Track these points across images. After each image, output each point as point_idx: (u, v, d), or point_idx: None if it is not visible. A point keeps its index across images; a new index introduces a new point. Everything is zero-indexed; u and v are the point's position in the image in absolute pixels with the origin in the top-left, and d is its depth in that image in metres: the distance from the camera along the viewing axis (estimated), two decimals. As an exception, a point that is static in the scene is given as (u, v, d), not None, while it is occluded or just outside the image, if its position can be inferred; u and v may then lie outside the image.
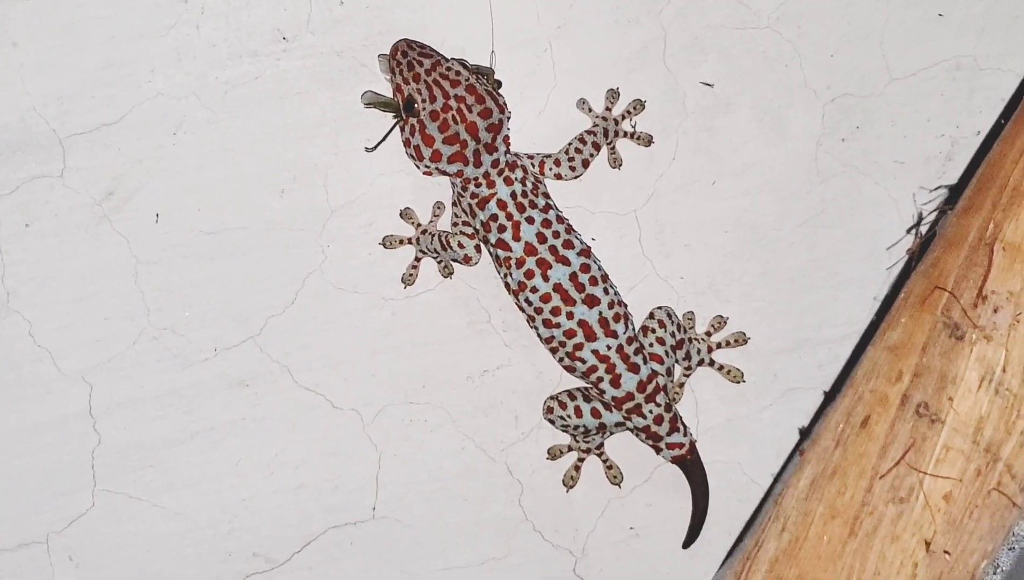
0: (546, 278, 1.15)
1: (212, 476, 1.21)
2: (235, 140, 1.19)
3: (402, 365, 1.22)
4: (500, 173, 1.15)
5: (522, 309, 1.18)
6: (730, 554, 1.19)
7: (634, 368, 1.17)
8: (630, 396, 1.18)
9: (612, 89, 1.21)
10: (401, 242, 1.21)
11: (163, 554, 1.22)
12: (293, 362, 1.21)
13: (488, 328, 1.22)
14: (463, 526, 1.23)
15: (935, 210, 1.19)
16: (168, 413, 1.21)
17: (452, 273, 1.21)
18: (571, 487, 1.24)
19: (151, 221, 1.18)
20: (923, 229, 1.21)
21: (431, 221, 1.20)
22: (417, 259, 1.21)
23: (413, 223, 1.20)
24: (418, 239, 1.20)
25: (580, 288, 1.15)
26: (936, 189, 1.20)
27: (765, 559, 1.01)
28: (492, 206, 1.15)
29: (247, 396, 1.21)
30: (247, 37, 1.18)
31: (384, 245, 1.21)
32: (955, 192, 1.20)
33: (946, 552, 0.92)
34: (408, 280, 1.21)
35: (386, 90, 1.16)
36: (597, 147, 1.19)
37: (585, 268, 1.16)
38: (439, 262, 1.21)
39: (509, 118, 1.15)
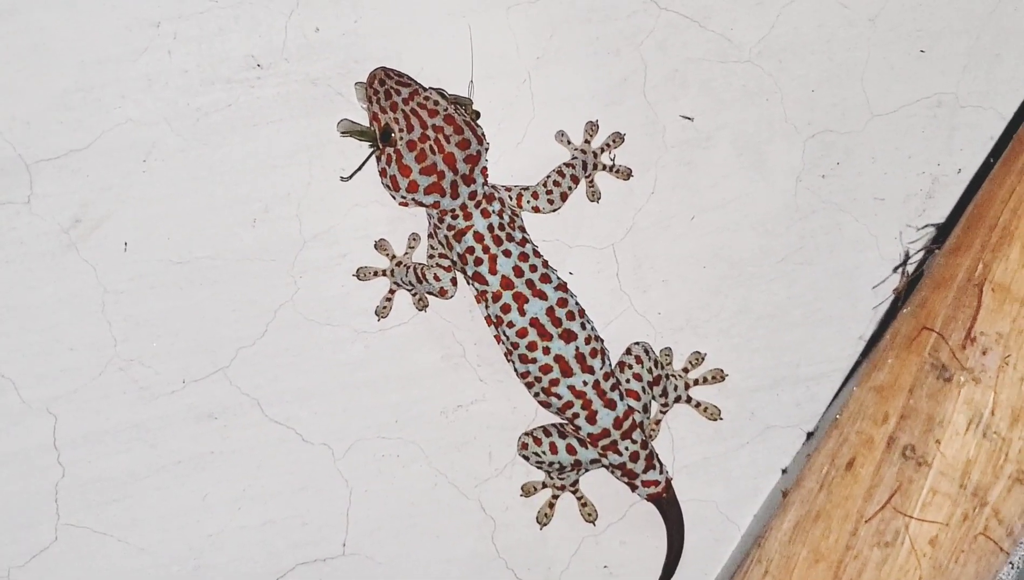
0: (522, 312, 1.15)
1: (178, 511, 1.19)
2: (207, 168, 1.17)
3: (375, 399, 1.21)
4: (477, 205, 1.14)
5: (501, 342, 1.17)
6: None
7: (610, 404, 1.16)
8: (606, 433, 1.17)
9: (591, 121, 1.20)
10: (375, 274, 1.20)
11: None
12: (263, 395, 1.19)
13: (463, 362, 1.20)
14: (435, 563, 1.22)
15: (922, 249, 1.19)
16: (134, 446, 1.19)
17: (427, 306, 1.20)
18: (545, 524, 1.23)
19: (119, 250, 1.17)
20: (910, 268, 1.20)
21: (406, 253, 1.19)
22: (391, 291, 1.20)
23: (388, 255, 1.19)
24: (392, 271, 1.19)
25: (557, 323, 1.15)
26: (923, 228, 1.20)
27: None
28: (469, 238, 1.14)
29: (215, 429, 1.19)
30: (220, 63, 1.17)
31: (358, 277, 1.19)
32: (943, 231, 1.19)
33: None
34: (382, 313, 1.20)
35: (363, 119, 1.14)
36: (576, 180, 1.19)
37: (562, 302, 1.15)
38: (414, 295, 1.20)
39: (487, 149, 1.14)
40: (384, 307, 1.20)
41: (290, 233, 1.19)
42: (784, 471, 1.25)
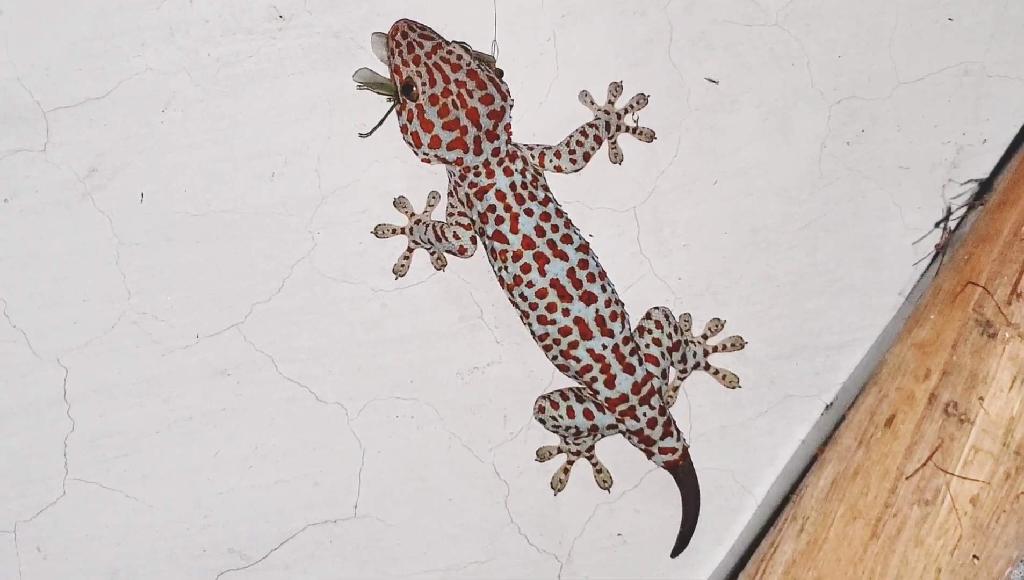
0: (543, 273, 1.13)
1: (189, 468, 1.18)
2: (226, 120, 1.16)
3: (390, 359, 1.20)
4: (500, 163, 1.13)
5: (516, 305, 1.16)
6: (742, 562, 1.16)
7: (629, 369, 1.16)
8: (624, 398, 1.16)
9: (615, 82, 1.20)
10: (394, 232, 1.19)
11: (134, 547, 1.19)
12: (277, 352, 1.18)
13: (480, 323, 1.20)
14: (446, 527, 1.21)
15: (965, 205, 1.18)
16: (145, 401, 1.18)
17: (445, 265, 1.19)
18: (559, 490, 1.22)
19: (135, 201, 1.16)
20: (952, 224, 1.20)
21: (425, 211, 1.18)
22: (409, 250, 1.19)
23: (407, 212, 1.18)
24: (411, 229, 1.18)
25: (577, 284, 1.14)
26: (966, 183, 1.19)
27: (781, 561, 0.99)
28: (490, 196, 1.13)
29: (228, 386, 1.18)
30: (242, 14, 1.16)
31: (376, 234, 1.19)
32: (985, 186, 1.19)
33: (975, 556, 0.90)
34: (399, 271, 1.19)
35: (383, 71, 1.13)
36: (599, 140, 1.18)
37: (583, 264, 1.14)
38: (432, 253, 1.19)
39: (512, 106, 1.13)
40: (402, 265, 1.19)
41: (308, 188, 1.18)
42: (803, 441, 1.24)
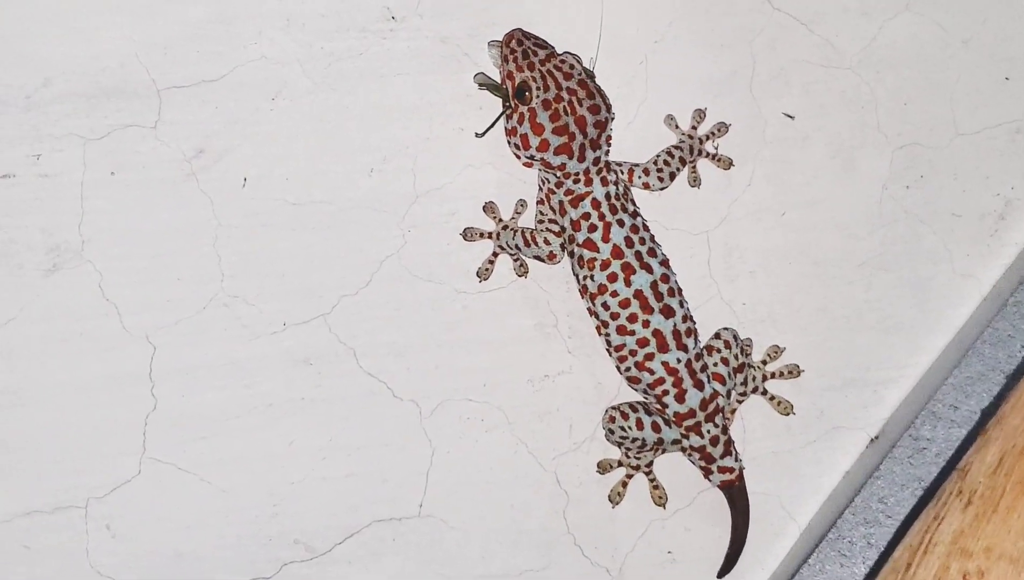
0: (628, 283, 1.75)
1: (264, 455, 1.76)
2: (332, 113, 1.76)
3: (466, 360, 1.80)
4: (599, 172, 1.75)
5: (596, 314, 1.77)
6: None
7: (699, 385, 1.78)
8: (692, 413, 1.79)
9: (699, 109, 1.83)
10: (481, 235, 1.79)
11: (203, 532, 1.76)
12: (359, 345, 1.77)
13: (554, 332, 1.81)
14: (506, 533, 1.81)
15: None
16: (228, 384, 1.75)
17: (527, 273, 1.80)
18: (616, 503, 1.84)
19: (238, 185, 1.74)
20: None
21: (512, 217, 1.79)
22: (494, 254, 1.80)
23: (495, 218, 1.79)
24: (498, 234, 1.79)
25: (659, 297, 1.76)
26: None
27: (948, 531, 1.62)
28: (586, 204, 1.74)
29: (310, 375, 1.76)
30: (357, 11, 1.76)
31: (464, 237, 1.79)
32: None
33: None
34: (483, 274, 1.79)
35: (496, 78, 1.74)
36: (683, 162, 1.81)
37: (665, 278, 1.77)
38: (515, 260, 1.80)
39: (613, 119, 1.74)
40: (486, 269, 1.80)
41: (404, 186, 1.78)
42: (847, 472, 1.89)
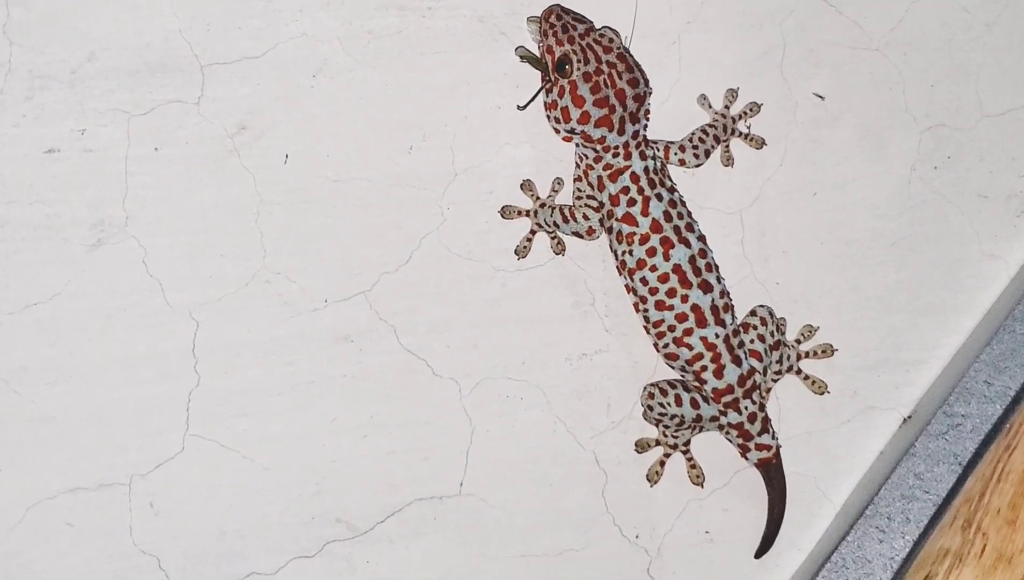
0: (667, 257, 2.04)
1: (306, 433, 2.04)
2: (372, 91, 2.05)
3: (505, 339, 2.09)
4: (638, 146, 2.04)
5: (634, 290, 2.06)
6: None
7: (737, 361, 2.07)
8: (730, 389, 2.07)
9: (732, 89, 2.11)
10: (519, 213, 2.07)
11: (245, 511, 2.04)
12: (400, 322, 2.06)
13: (591, 311, 2.09)
14: (545, 513, 2.09)
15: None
16: (270, 361, 2.03)
17: (564, 250, 2.07)
18: (655, 483, 2.12)
19: (279, 161, 2.01)
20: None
21: (549, 196, 2.07)
22: (532, 232, 2.09)
23: (532, 196, 2.07)
24: (536, 212, 2.07)
25: (697, 272, 2.05)
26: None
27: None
28: (625, 178, 2.03)
29: (351, 353, 2.04)
30: None
31: (502, 215, 2.07)
32: None
33: None
34: (522, 252, 2.07)
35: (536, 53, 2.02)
36: (718, 140, 2.10)
37: (703, 253, 2.07)
38: (552, 238, 2.09)
39: (651, 93, 2.02)
40: (524, 247, 2.08)
41: (443, 164, 2.07)
42: (880, 452, 2.15)
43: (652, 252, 2.08)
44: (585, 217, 2.11)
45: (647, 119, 2.08)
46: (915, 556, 2.00)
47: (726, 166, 2.20)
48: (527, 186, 2.14)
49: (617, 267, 2.11)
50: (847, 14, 2.23)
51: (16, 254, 2.02)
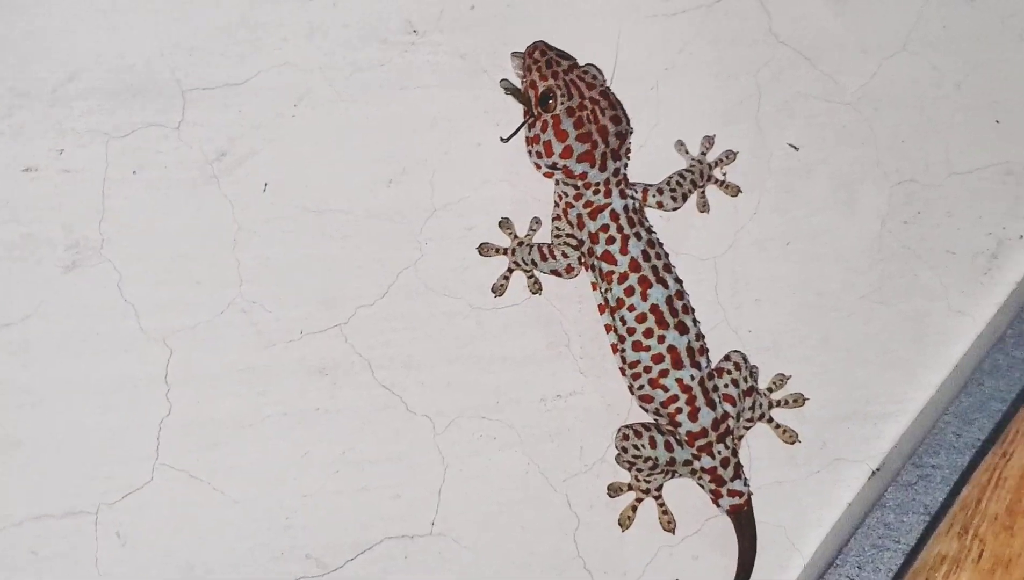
0: (645, 297, 1.94)
1: (277, 466, 1.91)
2: (353, 122, 1.93)
3: (480, 377, 1.96)
4: (618, 184, 1.93)
5: (614, 329, 1.96)
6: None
7: (711, 404, 1.96)
8: (704, 432, 1.97)
9: (708, 136, 2.02)
10: (496, 251, 1.95)
11: (214, 544, 1.90)
12: (375, 357, 1.93)
13: (566, 352, 1.98)
14: (516, 554, 1.97)
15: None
16: (243, 391, 1.90)
17: (540, 290, 1.96)
18: (626, 528, 2.00)
19: (258, 189, 1.90)
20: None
21: (527, 234, 1.96)
22: (509, 270, 1.97)
23: (510, 234, 1.95)
24: (514, 250, 1.96)
25: (674, 313, 1.95)
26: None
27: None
28: (605, 216, 1.93)
29: (324, 386, 1.91)
30: (379, 23, 1.94)
31: (480, 252, 1.96)
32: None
33: None
34: (498, 290, 1.96)
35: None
36: (694, 185, 2.01)
37: (679, 295, 1.96)
38: (529, 277, 1.96)
39: (632, 132, 1.92)
40: (501, 285, 1.97)
41: (422, 198, 1.95)
42: (849, 504, 2.05)
43: (630, 291, 1.97)
44: (564, 254, 1.99)
45: (628, 157, 1.98)
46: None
47: (702, 212, 2.10)
48: (505, 224, 2.03)
49: (599, 307, 2.01)
50: (821, 67, 2.14)
51: (-12, 274, 1.91)
